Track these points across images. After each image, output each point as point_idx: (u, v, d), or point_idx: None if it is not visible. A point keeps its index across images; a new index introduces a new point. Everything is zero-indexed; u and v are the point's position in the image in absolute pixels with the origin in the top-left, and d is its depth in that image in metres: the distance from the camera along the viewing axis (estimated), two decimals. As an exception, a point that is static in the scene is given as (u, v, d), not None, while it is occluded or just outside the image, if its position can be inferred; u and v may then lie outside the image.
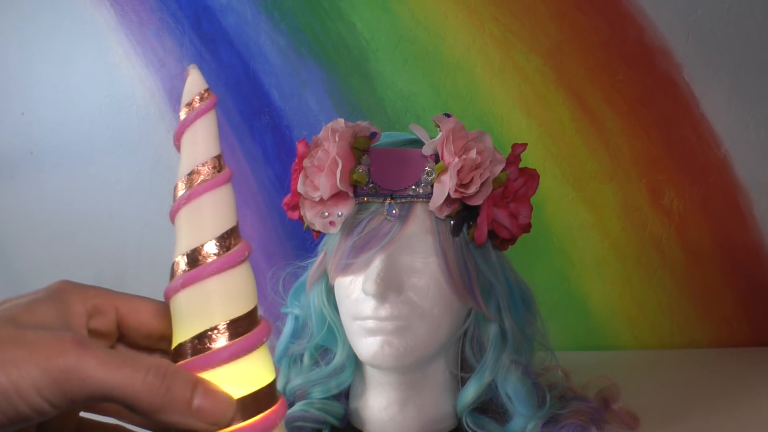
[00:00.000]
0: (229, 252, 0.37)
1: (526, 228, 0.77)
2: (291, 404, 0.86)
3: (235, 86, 1.17)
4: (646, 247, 1.16)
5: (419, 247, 0.75)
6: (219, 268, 0.36)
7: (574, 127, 1.14)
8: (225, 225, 0.37)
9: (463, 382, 0.81)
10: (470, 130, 0.76)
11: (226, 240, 0.37)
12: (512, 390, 0.78)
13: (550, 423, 0.79)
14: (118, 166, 1.20)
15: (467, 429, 0.80)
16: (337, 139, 0.76)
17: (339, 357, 0.83)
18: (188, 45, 1.16)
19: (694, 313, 1.17)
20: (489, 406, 0.81)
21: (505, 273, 0.80)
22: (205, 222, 0.37)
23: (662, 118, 1.13)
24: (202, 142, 0.37)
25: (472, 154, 0.73)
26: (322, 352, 0.87)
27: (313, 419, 0.81)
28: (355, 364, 0.83)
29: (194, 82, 0.38)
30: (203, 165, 0.37)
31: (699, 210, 1.15)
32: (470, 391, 0.79)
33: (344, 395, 0.85)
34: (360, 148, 0.77)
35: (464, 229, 0.76)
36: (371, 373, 0.81)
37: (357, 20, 1.14)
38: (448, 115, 0.77)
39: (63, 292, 0.37)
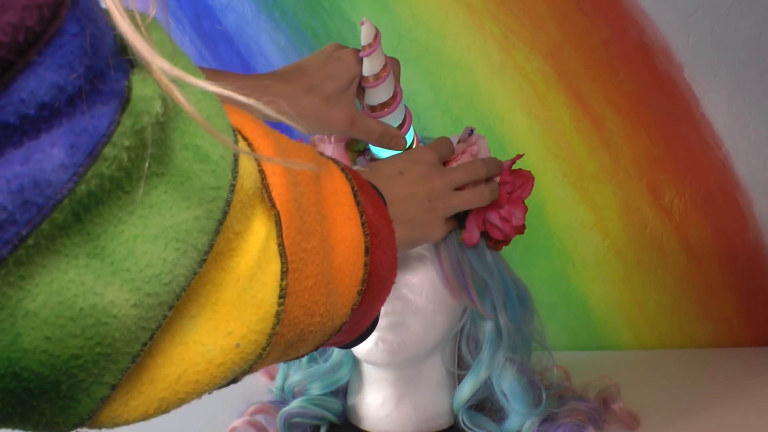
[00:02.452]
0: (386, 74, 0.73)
1: (520, 229, 0.80)
2: (289, 400, 0.87)
3: (235, 86, 1.17)
4: (646, 247, 1.16)
5: None
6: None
7: (575, 127, 1.14)
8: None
9: (460, 379, 0.83)
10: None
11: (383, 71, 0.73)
12: (508, 387, 0.80)
13: (547, 421, 0.81)
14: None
15: (464, 427, 0.82)
16: (332, 140, 0.78)
17: (337, 353, 0.85)
18: (188, 44, 1.16)
19: (695, 313, 1.18)
20: (485, 404, 0.83)
21: (501, 272, 0.82)
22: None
23: (663, 118, 1.14)
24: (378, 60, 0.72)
25: (466, 158, 0.77)
26: (321, 349, 0.88)
27: (311, 415, 0.84)
28: (353, 360, 0.85)
29: (368, 31, 0.70)
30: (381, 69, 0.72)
31: (699, 210, 1.15)
32: (466, 388, 0.81)
33: (342, 392, 0.88)
34: (355, 150, 0.79)
35: (457, 230, 0.78)
36: (368, 370, 0.83)
37: (357, 19, 1.15)
38: (470, 132, 0.78)
39: (347, 62, 0.72)
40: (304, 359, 0.88)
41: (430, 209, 0.65)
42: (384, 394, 0.82)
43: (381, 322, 0.75)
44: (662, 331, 1.19)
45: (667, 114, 1.14)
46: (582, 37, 1.13)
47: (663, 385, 1.01)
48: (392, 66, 0.74)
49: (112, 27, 0.33)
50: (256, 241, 0.41)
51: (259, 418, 0.85)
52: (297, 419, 0.83)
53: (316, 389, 0.85)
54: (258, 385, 0.99)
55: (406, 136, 0.77)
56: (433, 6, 1.14)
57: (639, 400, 0.93)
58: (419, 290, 0.77)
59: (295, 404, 0.84)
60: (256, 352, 0.41)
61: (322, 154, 0.53)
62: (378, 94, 0.73)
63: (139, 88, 0.33)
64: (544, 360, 0.87)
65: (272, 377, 1.00)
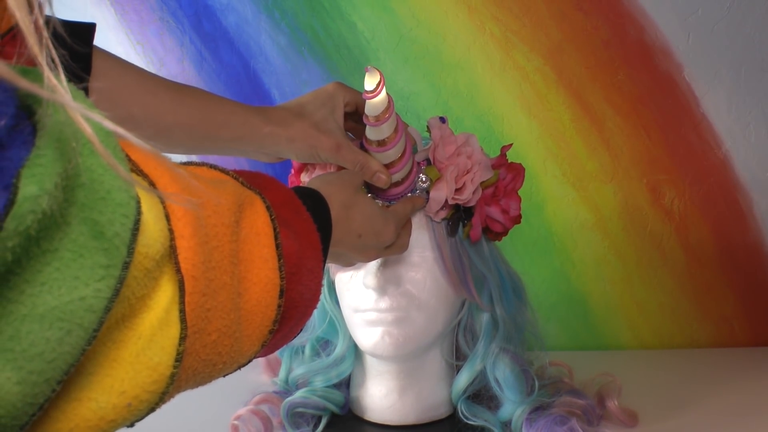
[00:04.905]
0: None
1: (517, 219, 0.84)
2: (294, 391, 0.91)
3: (235, 85, 1.18)
4: (646, 247, 1.17)
5: (416, 242, 0.81)
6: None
7: (575, 127, 1.15)
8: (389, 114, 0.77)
9: (458, 370, 0.88)
10: (457, 134, 0.83)
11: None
12: (501, 375, 0.84)
13: (538, 411, 0.85)
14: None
15: (462, 416, 0.86)
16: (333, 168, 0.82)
17: (340, 348, 0.89)
18: (189, 44, 1.17)
19: (695, 313, 1.19)
20: (482, 394, 0.87)
21: (497, 265, 0.86)
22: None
23: (663, 118, 1.15)
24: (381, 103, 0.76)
25: (463, 159, 0.80)
26: (323, 344, 0.93)
27: (314, 405, 0.87)
28: (355, 354, 0.89)
29: (372, 77, 0.74)
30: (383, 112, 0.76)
31: (699, 210, 1.16)
32: (463, 378, 0.85)
33: (345, 384, 0.92)
34: None
35: (459, 227, 0.83)
36: (371, 363, 0.87)
37: (357, 19, 1.15)
38: (443, 120, 0.81)
39: (333, 92, 0.79)
40: (308, 353, 0.93)
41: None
42: (387, 385, 0.86)
43: (387, 317, 0.80)
44: (662, 331, 1.20)
45: (667, 114, 1.15)
46: (582, 37, 1.14)
47: (663, 384, 1.02)
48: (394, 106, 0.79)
49: (9, 101, 0.34)
50: (162, 300, 0.42)
51: (263, 407, 0.89)
52: (300, 409, 0.87)
53: (319, 382, 0.89)
54: (263, 378, 1.03)
55: (403, 171, 0.79)
56: (433, 6, 1.15)
57: (639, 399, 0.94)
58: (422, 286, 0.81)
59: (298, 395, 0.88)
60: (148, 409, 0.43)
61: (250, 187, 0.53)
62: (378, 132, 0.77)
63: (27, 186, 0.33)
64: (542, 355, 0.91)
65: (275, 372, 1.01)
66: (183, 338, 0.42)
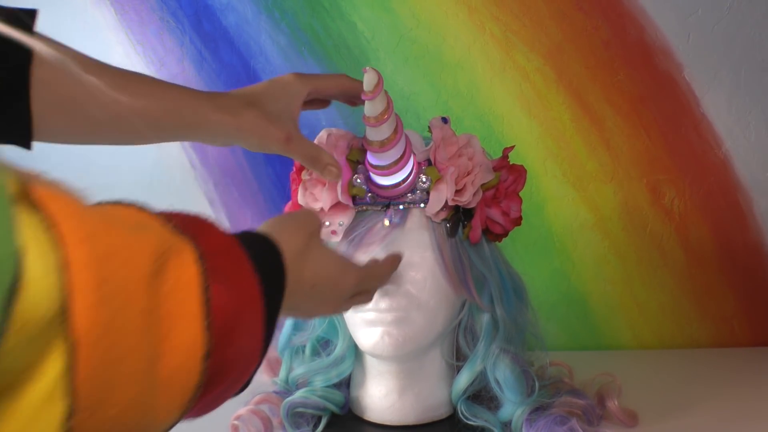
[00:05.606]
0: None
1: (518, 221, 0.85)
2: (294, 391, 0.91)
3: (235, 85, 1.18)
4: (646, 247, 1.17)
5: (416, 243, 0.82)
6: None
7: (575, 127, 1.15)
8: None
9: (458, 371, 0.88)
10: (459, 134, 0.83)
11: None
12: (501, 376, 0.84)
13: (538, 411, 0.85)
14: (118, 167, 1.20)
15: (462, 416, 0.86)
16: (334, 155, 0.81)
17: (340, 348, 0.89)
18: (189, 44, 1.17)
19: (695, 313, 1.19)
20: (482, 395, 0.87)
21: (497, 265, 0.86)
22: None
23: (663, 118, 1.15)
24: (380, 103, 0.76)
25: (464, 160, 0.80)
26: (323, 344, 0.93)
27: (313, 405, 0.88)
28: (355, 354, 0.90)
29: (371, 78, 0.73)
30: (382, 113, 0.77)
31: (699, 210, 1.16)
32: (463, 379, 0.85)
33: (345, 384, 0.92)
34: (354, 160, 0.83)
35: (459, 228, 0.83)
36: (371, 363, 0.88)
37: (357, 19, 1.15)
38: (445, 120, 0.81)
39: (290, 84, 0.76)
40: (308, 353, 0.93)
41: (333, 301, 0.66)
42: (387, 386, 0.86)
43: (386, 317, 0.80)
44: (662, 331, 1.20)
45: (667, 114, 1.15)
46: (582, 37, 1.14)
47: (663, 384, 1.02)
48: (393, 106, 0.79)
49: None
50: (50, 370, 0.36)
51: (264, 407, 0.89)
52: (300, 409, 0.87)
53: (319, 382, 0.89)
54: (264, 378, 1.02)
55: (403, 171, 0.80)
56: (433, 6, 1.15)
57: (639, 399, 0.94)
58: (422, 286, 0.81)
59: (298, 394, 0.88)
60: None
61: (181, 233, 0.45)
62: (378, 133, 0.77)
63: None
64: (542, 355, 0.91)
65: (275, 372, 1.01)
66: (71, 414, 0.36)
